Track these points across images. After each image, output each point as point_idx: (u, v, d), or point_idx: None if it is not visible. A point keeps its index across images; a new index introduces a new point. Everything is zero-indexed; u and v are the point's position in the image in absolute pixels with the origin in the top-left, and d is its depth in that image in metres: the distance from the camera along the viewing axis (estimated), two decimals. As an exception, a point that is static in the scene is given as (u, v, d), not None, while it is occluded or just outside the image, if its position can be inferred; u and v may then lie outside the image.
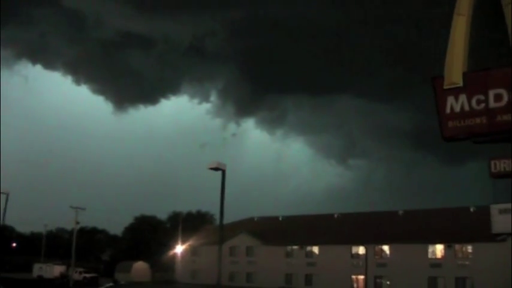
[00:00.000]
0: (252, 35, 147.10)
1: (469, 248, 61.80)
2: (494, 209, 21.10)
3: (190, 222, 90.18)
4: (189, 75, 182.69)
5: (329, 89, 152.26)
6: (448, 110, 22.33)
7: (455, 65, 22.35)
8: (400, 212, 73.09)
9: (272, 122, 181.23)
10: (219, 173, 24.56)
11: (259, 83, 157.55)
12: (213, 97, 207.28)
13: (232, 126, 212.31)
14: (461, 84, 22.17)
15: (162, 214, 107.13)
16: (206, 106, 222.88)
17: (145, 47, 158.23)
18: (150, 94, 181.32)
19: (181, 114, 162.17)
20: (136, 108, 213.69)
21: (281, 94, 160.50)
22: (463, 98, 22.10)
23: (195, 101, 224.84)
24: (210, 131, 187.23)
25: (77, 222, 68.02)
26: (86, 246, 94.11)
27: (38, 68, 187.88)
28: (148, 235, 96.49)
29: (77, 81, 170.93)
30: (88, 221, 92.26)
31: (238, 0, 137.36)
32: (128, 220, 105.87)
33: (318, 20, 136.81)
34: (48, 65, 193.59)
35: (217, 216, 26.66)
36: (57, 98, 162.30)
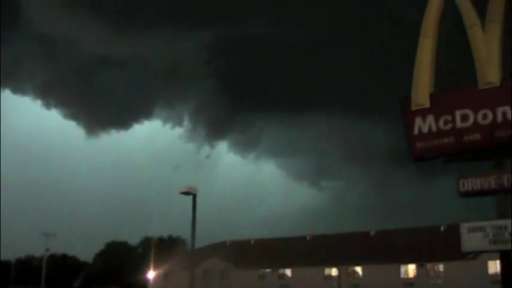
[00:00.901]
0: (226, 55, 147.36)
1: (441, 267, 62.26)
2: (464, 227, 21.29)
3: (162, 247, 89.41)
4: (162, 99, 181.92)
5: (301, 110, 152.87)
6: (416, 131, 22.63)
7: (422, 86, 22.68)
8: (372, 233, 73.38)
9: (245, 145, 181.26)
10: (191, 197, 24.47)
11: (233, 105, 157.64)
12: (186, 121, 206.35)
13: (205, 149, 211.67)
14: (428, 105, 22.51)
15: (134, 239, 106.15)
16: (179, 130, 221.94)
17: (119, 70, 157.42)
18: (122, 119, 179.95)
19: (154, 139, 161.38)
20: (108, 133, 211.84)
21: (254, 116, 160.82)
22: (430, 118, 22.42)
23: (168, 125, 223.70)
24: (183, 154, 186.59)
25: (47, 249, 67.10)
26: (56, 273, 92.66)
27: (7, 92, 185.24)
28: (119, 261, 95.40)
29: (47, 106, 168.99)
30: (58, 247, 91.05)
31: (212, 21, 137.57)
32: (99, 246, 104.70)
33: (292, 39, 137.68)
34: (17, 89, 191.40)
35: (189, 241, 26.50)
36: (26, 123, 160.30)
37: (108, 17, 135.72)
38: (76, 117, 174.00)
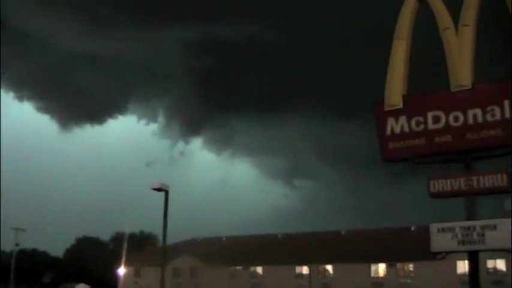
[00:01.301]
0: (202, 54, 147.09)
1: (411, 267, 62.92)
2: (433, 227, 21.55)
3: (133, 243, 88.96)
4: (137, 95, 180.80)
5: (276, 110, 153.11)
6: (388, 131, 22.85)
7: (395, 88, 22.91)
8: (343, 232, 73.86)
9: (219, 143, 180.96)
10: (163, 193, 24.42)
11: (208, 102, 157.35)
12: (161, 117, 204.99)
13: (180, 145, 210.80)
14: (401, 106, 22.75)
15: (105, 235, 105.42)
16: (154, 126, 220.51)
17: (94, 65, 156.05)
18: (96, 113, 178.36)
19: (129, 134, 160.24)
20: (83, 127, 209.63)
21: (229, 114, 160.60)
22: (402, 119, 22.66)
23: (143, 121, 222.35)
24: (157, 151, 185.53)
25: (17, 244, 66.33)
26: (26, 269, 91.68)
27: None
28: (90, 257, 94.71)
29: (20, 98, 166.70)
30: (28, 242, 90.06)
31: (189, 20, 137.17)
32: (69, 241, 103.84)
33: (268, 40, 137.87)
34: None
35: (160, 237, 26.45)
36: (4, 116, 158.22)
37: (84, 13, 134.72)
38: (50, 111, 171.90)
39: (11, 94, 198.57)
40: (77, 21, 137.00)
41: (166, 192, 24.40)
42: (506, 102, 20.94)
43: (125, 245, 77.35)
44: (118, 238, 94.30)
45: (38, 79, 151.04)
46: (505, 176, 20.61)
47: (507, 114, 20.86)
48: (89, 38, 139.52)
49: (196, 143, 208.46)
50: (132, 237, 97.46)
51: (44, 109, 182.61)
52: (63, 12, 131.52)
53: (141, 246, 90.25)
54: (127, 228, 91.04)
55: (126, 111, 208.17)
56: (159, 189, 24.28)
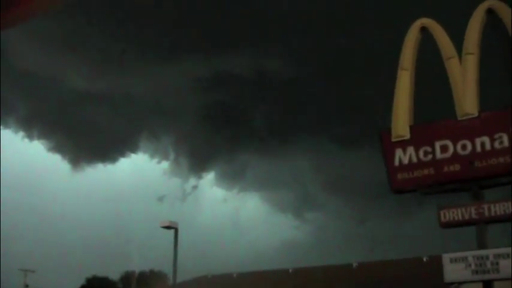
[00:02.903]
0: (210, 88, 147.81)
1: (424, 298, 62.19)
2: (446, 258, 21.34)
3: (143, 282, 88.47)
4: (148, 132, 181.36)
5: (284, 143, 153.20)
6: (396, 162, 22.79)
7: (401, 118, 22.92)
8: (355, 265, 73.18)
9: (229, 178, 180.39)
10: (173, 230, 24.36)
11: (216, 137, 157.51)
12: (172, 154, 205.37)
13: (191, 181, 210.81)
14: (408, 137, 22.73)
15: (115, 274, 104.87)
16: (165, 164, 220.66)
17: (104, 104, 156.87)
18: (108, 152, 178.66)
19: (140, 173, 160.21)
20: (94, 167, 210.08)
21: (237, 148, 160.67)
22: (410, 150, 22.61)
23: (155, 159, 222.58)
24: (168, 187, 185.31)
25: (26, 286, 66.02)
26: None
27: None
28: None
29: (30, 138, 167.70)
30: (37, 283, 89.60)
31: (197, 55, 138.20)
32: (79, 281, 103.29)
33: (276, 72, 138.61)
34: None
35: (171, 275, 26.34)
36: (9, 156, 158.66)
37: (89, 53, 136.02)
38: (61, 151, 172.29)
39: (21, 134, 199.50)
40: (84, 60, 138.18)
41: (176, 230, 24.36)
42: (514, 129, 20.92)
43: (134, 284, 76.96)
44: (128, 277, 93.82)
45: (47, 119, 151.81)
46: (515, 204, 20.49)
47: (515, 141, 20.82)
48: (97, 76, 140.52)
49: (206, 179, 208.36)
50: (142, 275, 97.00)
51: (55, 149, 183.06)
52: (70, 52, 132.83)
53: (152, 284, 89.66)
54: (136, 267, 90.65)
55: (137, 149, 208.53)
56: (168, 227, 24.23)
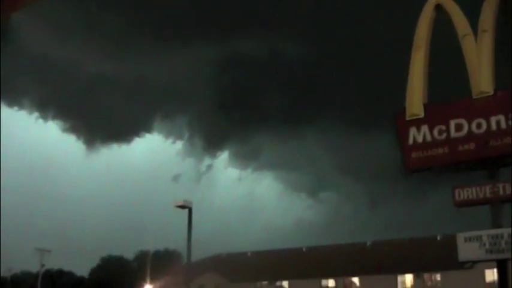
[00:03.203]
0: (224, 70, 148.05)
1: (438, 277, 62.21)
2: (460, 237, 21.26)
3: (158, 261, 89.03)
4: (162, 113, 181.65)
5: (298, 124, 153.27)
6: (410, 141, 22.66)
7: (415, 97, 22.75)
8: (369, 243, 73.28)
9: (243, 158, 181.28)
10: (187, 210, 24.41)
11: (230, 118, 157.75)
12: (186, 134, 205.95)
13: (205, 161, 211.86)
14: (422, 115, 22.57)
15: (130, 253, 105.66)
16: (179, 144, 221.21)
17: (118, 86, 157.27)
18: (123, 133, 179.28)
19: (155, 153, 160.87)
20: (109, 147, 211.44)
21: (252, 129, 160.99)
22: (424, 128, 22.46)
23: (170, 140, 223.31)
24: (182, 167, 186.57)
25: (42, 265, 66.58)
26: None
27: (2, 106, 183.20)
28: (115, 275, 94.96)
29: (45, 119, 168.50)
30: (54, 263, 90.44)
31: (210, 37, 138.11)
32: (94, 261, 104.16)
33: (289, 53, 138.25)
34: (14, 103, 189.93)
35: (185, 254, 26.44)
36: (24, 136, 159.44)
37: (105, 36, 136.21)
38: (76, 132, 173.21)
39: (35, 115, 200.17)
40: (99, 44, 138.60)
41: (190, 209, 24.39)
42: (530, 107, 20.72)
43: (149, 263, 77.49)
44: (142, 256, 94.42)
45: (62, 100, 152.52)
46: (531, 183, 20.36)
47: (531, 120, 20.64)
48: (111, 60, 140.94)
49: (220, 159, 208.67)
50: (157, 254, 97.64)
51: (70, 129, 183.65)
52: (85, 37, 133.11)
53: (166, 263, 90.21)
54: (151, 246, 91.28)
55: (152, 130, 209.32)
56: (182, 207, 24.28)
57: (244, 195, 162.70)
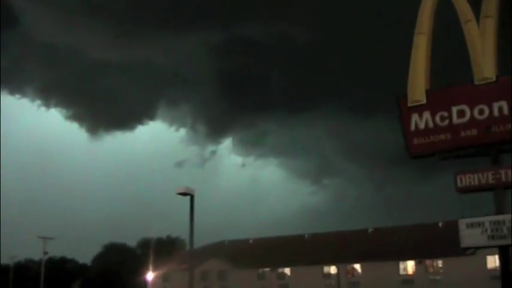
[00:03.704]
0: (228, 55, 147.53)
1: (440, 263, 62.34)
2: (462, 223, 21.27)
3: (161, 248, 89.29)
4: (166, 100, 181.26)
5: (302, 110, 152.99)
6: (412, 127, 22.64)
7: (417, 83, 22.69)
8: (370, 230, 73.39)
9: (247, 144, 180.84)
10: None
11: (235, 104, 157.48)
12: (190, 121, 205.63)
13: (209, 148, 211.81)
14: (424, 101, 22.52)
15: (132, 241, 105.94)
16: (183, 131, 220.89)
17: (122, 73, 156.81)
18: (126, 120, 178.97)
19: (159, 140, 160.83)
20: (112, 134, 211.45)
21: (256, 114, 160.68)
22: (427, 115, 22.43)
23: (174, 127, 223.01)
24: (186, 153, 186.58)
25: (45, 252, 66.79)
26: (55, 277, 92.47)
27: (4, 93, 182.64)
28: (118, 263, 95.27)
29: (47, 106, 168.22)
30: (57, 250, 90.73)
31: (214, 22, 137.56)
32: (97, 248, 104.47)
33: (294, 38, 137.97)
34: (16, 91, 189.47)
35: (188, 241, 26.45)
36: (25, 124, 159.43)
37: (109, 22, 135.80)
38: (78, 119, 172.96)
39: (37, 102, 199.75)
40: (103, 30, 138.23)
41: (192, 197, 24.35)
42: (533, 94, 20.66)
43: (152, 250, 77.69)
44: (145, 243, 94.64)
45: (65, 87, 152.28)
46: (534, 169, 20.34)
47: (533, 106, 20.59)
48: (115, 46, 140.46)
49: (224, 146, 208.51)
50: (160, 241, 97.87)
51: (73, 117, 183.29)
52: (89, 23, 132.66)
53: (169, 250, 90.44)
54: (154, 233, 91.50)
55: (156, 117, 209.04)
56: (184, 194, 24.25)
57: (248, 181, 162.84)
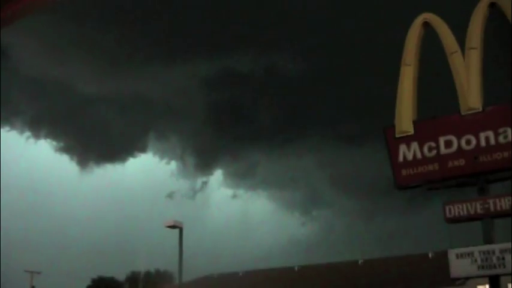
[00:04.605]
0: (218, 87, 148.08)
1: (430, 294, 62.10)
2: (452, 253, 21.25)
3: (149, 282, 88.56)
4: (156, 133, 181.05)
5: (290, 141, 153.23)
6: (400, 159, 22.73)
7: (405, 114, 22.85)
8: (360, 261, 73.06)
9: (236, 177, 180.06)
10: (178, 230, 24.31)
11: (224, 136, 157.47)
12: (180, 154, 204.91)
13: (199, 181, 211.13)
14: (412, 132, 22.65)
15: (121, 275, 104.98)
16: (174, 164, 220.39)
17: (112, 105, 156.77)
18: (116, 153, 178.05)
19: (149, 173, 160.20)
20: (103, 167, 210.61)
21: (244, 147, 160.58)
22: (414, 145, 22.54)
23: (163, 159, 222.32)
24: (176, 186, 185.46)
25: (32, 287, 66.01)
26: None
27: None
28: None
29: (37, 138, 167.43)
30: (44, 284, 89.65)
31: (205, 54, 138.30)
32: (85, 283, 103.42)
33: (283, 70, 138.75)
34: (6, 123, 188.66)
35: (176, 275, 26.31)
36: (15, 157, 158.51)
37: (98, 56, 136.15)
38: (69, 152, 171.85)
39: (26, 134, 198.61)
40: (92, 62, 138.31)
41: (181, 230, 24.29)
42: (518, 123, 20.85)
43: (141, 285, 77.01)
44: (134, 277, 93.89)
45: (55, 120, 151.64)
46: (522, 198, 20.41)
47: (520, 135, 20.75)
48: (105, 79, 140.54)
49: (213, 178, 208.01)
50: (148, 275, 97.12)
51: (63, 150, 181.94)
52: (78, 56, 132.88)
53: (157, 284, 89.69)
54: (143, 267, 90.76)
55: (146, 149, 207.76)
56: (173, 227, 24.18)
57: (238, 214, 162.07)
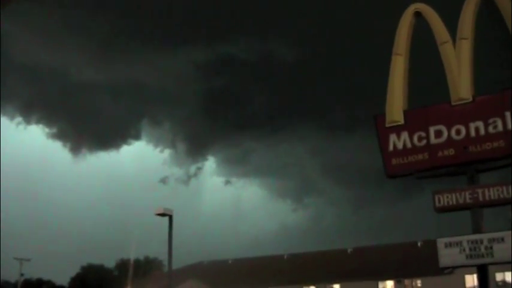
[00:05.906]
0: (214, 74, 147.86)
1: (419, 282, 62.40)
2: (441, 242, 21.37)
3: (138, 269, 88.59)
4: (150, 119, 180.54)
5: (284, 129, 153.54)
6: (391, 148, 22.81)
7: (395, 103, 22.91)
8: (350, 250, 73.42)
9: (229, 164, 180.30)
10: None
11: (218, 123, 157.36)
12: (174, 141, 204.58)
13: (192, 168, 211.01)
14: (402, 122, 22.73)
15: (110, 262, 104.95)
16: (168, 151, 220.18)
17: (107, 91, 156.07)
18: (110, 139, 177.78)
19: (142, 160, 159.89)
20: (96, 154, 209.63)
21: (238, 134, 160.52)
22: (404, 135, 22.63)
23: (157, 146, 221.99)
24: (169, 173, 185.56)
25: (22, 274, 65.91)
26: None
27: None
28: (95, 284, 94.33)
29: (28, 124, 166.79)
30: (33, 272, 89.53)
31: (200, 41, 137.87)
32: (74, 269, 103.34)
33: (274, 59, 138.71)
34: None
35: (166, 262, 26.32)
36: (7, 144, 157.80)
37: (92, 41, 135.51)
38: (61, 138, 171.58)
39: (17, 120, 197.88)
40: (87, 49, 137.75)
41: (170, 217, 24.29)
42: (508, 114, 20.94)
43: (131, 271, 76.99)
44: (123, 264, 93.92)
45: (48, 107, 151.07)
46: (510, 188, 20.50)
47: (509, 125, 20.86)
48: (99, 64, 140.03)
49: (206, 165, 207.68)
50: (137, 262, 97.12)
51: (56, 136, 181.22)
52: (72, 42, 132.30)
53: (147, 271, 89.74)
54: (132, 254, 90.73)
55: (140, 136, 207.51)
56: (162, 215, 24.16)
57: (230, 201, 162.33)
